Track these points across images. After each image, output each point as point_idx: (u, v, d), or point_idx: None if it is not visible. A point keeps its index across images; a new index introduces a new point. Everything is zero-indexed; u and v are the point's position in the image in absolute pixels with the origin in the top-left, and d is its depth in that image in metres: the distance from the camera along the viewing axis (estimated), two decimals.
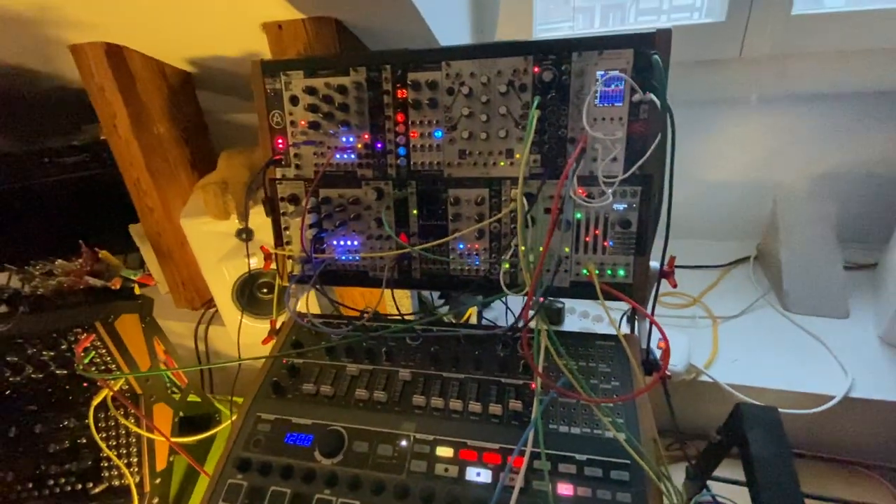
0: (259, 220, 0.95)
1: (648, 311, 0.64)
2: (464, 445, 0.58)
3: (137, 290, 0.84)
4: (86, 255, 0.80)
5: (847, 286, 1.06)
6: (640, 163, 0.54)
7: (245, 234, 1.03)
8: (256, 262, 1.03)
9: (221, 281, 1.03)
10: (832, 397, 0.82)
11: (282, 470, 0.59)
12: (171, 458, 0.81)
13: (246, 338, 1.12)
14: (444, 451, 0.58)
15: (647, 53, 0.54)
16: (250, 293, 1.10)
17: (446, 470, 0.56)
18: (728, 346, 0.97)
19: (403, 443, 0.59)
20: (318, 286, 0.69)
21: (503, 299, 0.88)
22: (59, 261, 0.79)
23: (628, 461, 0.53)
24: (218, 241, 0.99)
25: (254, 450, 0.62)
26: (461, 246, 0.67)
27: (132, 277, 0.79)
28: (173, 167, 1.13)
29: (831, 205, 1.13)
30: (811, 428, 0.83)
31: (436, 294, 1.08)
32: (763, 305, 1.08)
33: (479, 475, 0.55)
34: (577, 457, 0.55)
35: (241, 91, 1.23)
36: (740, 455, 0.60)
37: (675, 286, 0.62)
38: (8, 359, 0.71)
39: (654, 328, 0.56)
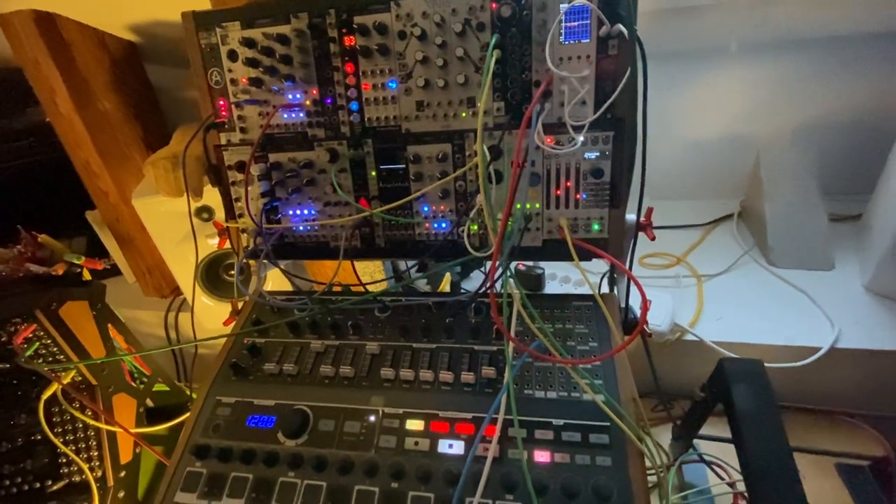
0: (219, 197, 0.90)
1: (626, 266, 0.61)
2: (435, 417, 0.54)
3: (87, 276, 0.79)
4: (25, 241, 0.73)
5: (831, 238, 1.04)
6: (610, 100, 0.49)
7: (206, 213, 0.97)
8: (216, 244, 0.98)
9: (184, 264, 0.98)
10: (819, 349, 0.80)
11: (243, 454, 0.55)
12: (137, 450, 0.77)
13: (214, 322, 1.08)
14: (415, 424, 0.54)
15: None
16: (217, 275, 1.05)
17: (417, 444, 0.53)
18: (713, 304, 0.94)
19: (372, 418, 0.55)
20: (272, 260, 0.64)
21: (482, 267, 0.84)
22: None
23: (608, 423, 0.50)
24: (176, 221, 0.93)
25: (213, 435, 0.58)
26: (426, 209, 0.62)
27: (77, 262, 0.73)
28: (124, 146, 1.06)
29: (814, 156, 1.10)
30: (798, 380, 0.81)
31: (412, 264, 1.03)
32: (747, 262, 1.06)
33: (451, 447, 0.52)
34: (555, 422, 0.51)
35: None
36: (725, 411, 0.58)
37: (653, 238, 0.59)
38: None
39: (634, 286, 0.53)
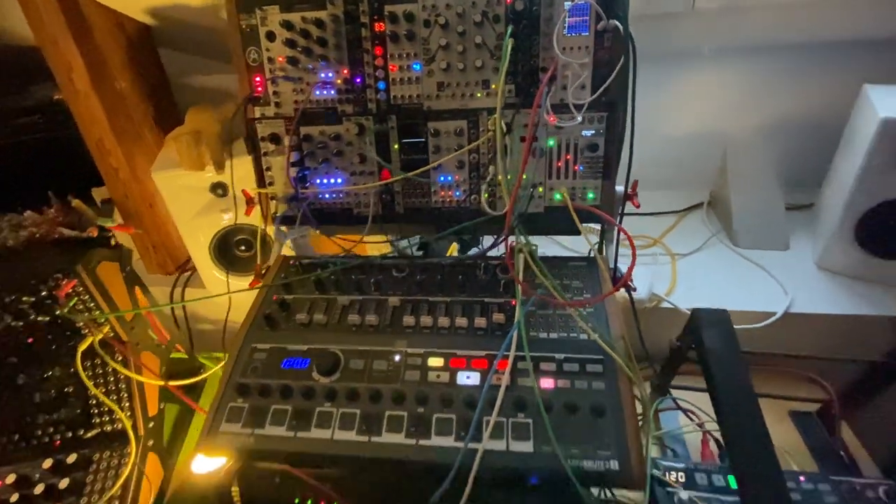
0: (236, 173, 0.95)
1: (613, 232, 0.71)
2: (453, 355, 0.62)
3: (113, 242, 0.83)
4: (56, 206, 0.78)
5: (788, 223, 1.17)
6: (606, 84, 0.59)
7: (220, 189, 1.02)
8: (231, 219, 1.03)
9: (198, 237, 1.03)
10: (774, 313, 0.92)
11: (281, 390, 0.61)
12: (161, 406, 0.82)
13: (226, 295, 1.13)
14: (436, 361, 0.62)
15: None
16: (228, 251, 1.10)
17: (438, 377, 0.61)
18: (685, 278, 1.06)
19: (397, 357, 0.63)
20: (311, 221, 0.71)
21: (479, 245, 0.92)
22: (28, 212, 0.77)
23: (601, 356, 0.59)
24: (192, 195, 0.98)
25: (251, 376, 0.64)
26: (443, 179, 0.70)
27: (108, 225, 0.78)
28: (138, 125, 1.09)
29: (774, 152, 1.23)
30: (757, 342, 0.93)
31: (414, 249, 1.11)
32: (715, 243, 1.18)
33: (468, 378, 0.60)
34: (556, 356, 0.60)
35: (206, 49, 1.20)
36: (697, 354, 0.68)
37: (637, 206, 0.69)
38: None
39: (620, 256, 0.62)
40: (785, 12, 1.13)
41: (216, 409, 0.62)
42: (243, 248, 1.11)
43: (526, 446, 0.54)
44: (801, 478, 0.69)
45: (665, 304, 0.98)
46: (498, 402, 0.55)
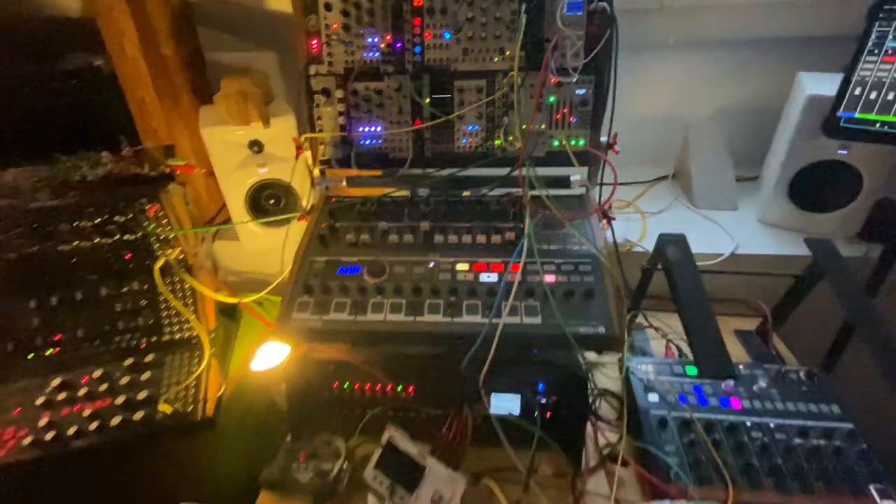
0: (268, 133, 1.10)
1: (598, 177, 0.89)
2: (476, 261, 0.79)
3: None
4: (127, 149, 0.91)
5: (737, 190, 1.39)
6: (594, 51, 0.77)
7: (256, 146, 1.16)
8: (265, 173, 1.17)
9: (236, 188, 1.16)
10: (723, 254, 1.14)
11: (340, 288, 0.77)
12: (217, 322, 0.96)
13: (257, 245, 1.27)
14: (462, 266, 0.79)
15: None
16: (259, 204, 1.23)
17: (465, 276, 0.77)
18: (653, 230, 1.26)
19: (431, 264, 0.80)
20: (358, 163, 0.86)
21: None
22: (105, 152, 0.90)
23: (590, 260, 0.77)
24: (233, 150, 1.12)
25: (314, 279, 0.79)
26: (468, 128, 0.87)
27: (178, 164, 0.91)
28: (178, 90, 1.22)
29: (727, 132, 1.46)
30: (710, 277, 1.13)
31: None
32: (678, 205, 1.40)
33: (489, 277, 0.77)
34: (555, 260, 0.78)
35: (234, 25, 1.33)
36: (662, 265, 0.87)
37: (617, 153, 0.87)
38: (77, 224, 0.82)
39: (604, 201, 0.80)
40: (738, 12, 1.36)
41: (287, 303, 0.77)
42: (272, 201, 1.24)
43: (535, 320, 0.72)
44: (741, 366, 0.90)
45: (637, 249, 1.18)
46: (513, 291, 0.73)
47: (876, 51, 0.80)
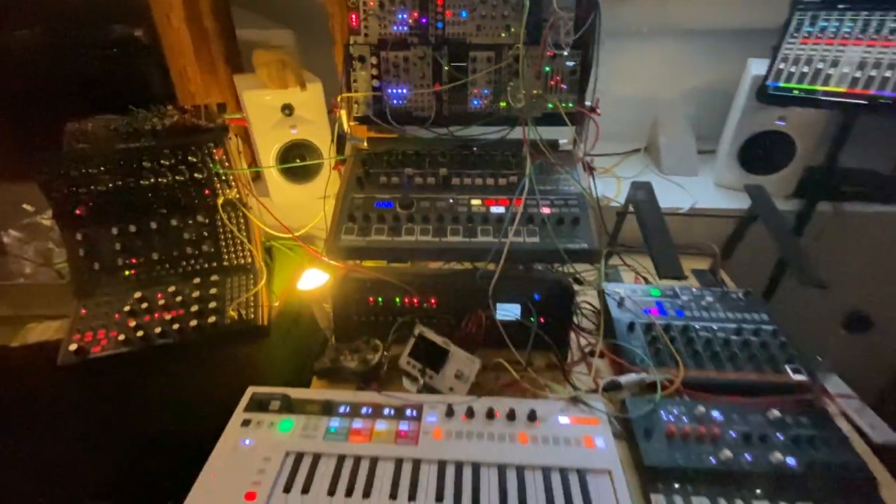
0: (300, 97, 1.27)
1: (583, 134, 1.10)
2: (487, 198, 0.99)
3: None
4: (190, 105, 1.06)
5: (698, 159, 1.63)
6: (582, 30, 0.97)
7: (287, 110, 1.32)
8: (296, 133, 1.34)
9: (270, 146, 1.32)
10: (682, 208, 1.37)
11: (378, 217, 0.96)
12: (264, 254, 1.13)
13: (286, 198, 1.43)
14: (476, 201, 0.98)
15: None
16: (287, 162, 1.40)
17: (479, 209, 0.97)
18: (627, 190, 1.47)
19: (451, 200, 0.99)
20: (387, 120, 1.04)
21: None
22: (171, 106, 1.05)
23: (576, 197, 0.98)
24: (269, 112, 1.28)
25: (356, 210, 0.97)
26: (477, 91, 1.06)
27: (234, 118, 1.07)
28: (215, 59, 1.37)
29: (691, 112, 1.69)
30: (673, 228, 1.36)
31: None
32: (649, 172, 1.62)
33: (498, 209, 0.97)
34: (550, 197, 0.98)
35: (258, 4, 1.48)
36: (633, 207, 1.08)
37: (599, 115, 1.08)
38: (157, 163, 0.98)
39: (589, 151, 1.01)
40: (703, 5, 1.58)
41: (335, 227, 0.95)
42: (297, 160, 1.41)
43: (535, 239, 0.92)
44: (693, 289, 1.12)
45: (613, 204, 1.39)
46: (517, 218, 0.93)
47: (795, 34, 1.03)
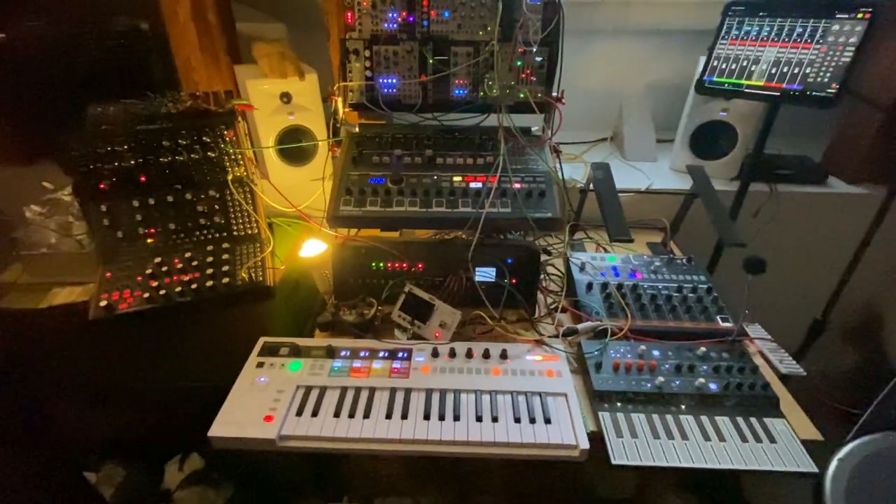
0: (298, 86, 1.39)
1: (551, 122, 1.26)
2: (467, 174, 1.14)
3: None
4: (200, 92, 1.18)
5: (656, 147, 1.81)
6: (548, 30, 1.13)
7: (285, 98, 1.45)
8: (293, 119, 1.47)
9: (269, 131, 1.45)
10: (641, 188, 1.54)
11: (372, 190, 1.10)
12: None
13: (285, 180, 1.56)
14: (457, 178, 1.14)
15: None
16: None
17: (459, 184, 1.12)
18: None
19: (435, 177, 1.14)
20: (379, 105, 1.18)
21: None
22: (183, 92, 1.17)
23: (543, 175, 1.14)
24: (269, 100, 1.40)
25: (352, 185, 1.12)
26: (458, 83, 1.21)
27: (241, 104, 1.20)
28: (217, 50, 1.48)
29: (652, 104, 1.87)
30: (632, 205, 1.54)
31: None
32: (613, 158, 1.80)
33: (476, 184, 1.12)
34: (521, 174, 1.14)
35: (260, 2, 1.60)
36: (593, 186, 1.25)
37: (564, 104, 1.24)
38: (174, 142, 1.10)
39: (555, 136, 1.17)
40: (661, 8, 1.76)
41: (334, 200, 1.09)
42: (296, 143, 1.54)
43: (507, 210, 1.08)
44: (645, 256, 1.30)
45: (579, 184, 1.56)
46: (492, 192, 1.08)
47: (726, 36, 1.20)
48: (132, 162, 1.10)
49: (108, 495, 1.32)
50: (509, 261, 1.15)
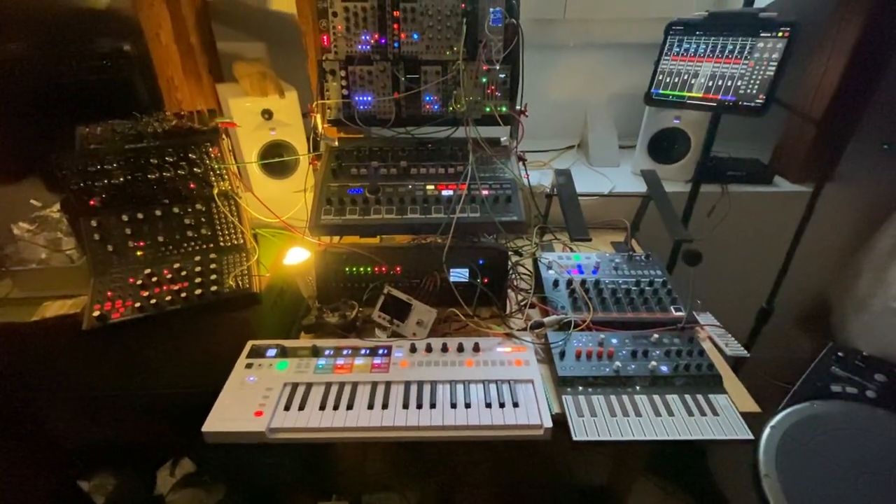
0: (279, 103, 1.47)
1: (516, 132, 1.36)
2: (439, 183, 1.23)
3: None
4: (185, 112, 1.25)
5: (619, 153, 1.94)
6: (509, 49, 1.23)
7: (267, 114, 1.52)
8: (275, 135, 1.54)
9: (251, 146, 1.52)
10: (605, 192, 1.66)
11: (351, 200, 1.18)
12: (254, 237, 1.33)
13: (268, 192, 1.63)
14: (430, 187, 1.23)
15: (511, 1, 1.22)
16: (267, 159, 1.59)
17: (432, 192, 1.21)
18: None
19: (409, 186, 1.23)
20: (355, 122, 1.27)
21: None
22: (169, 112, 1.23)
23: (510, 182, 1.24)
24: (251, 117, 1.48)
25: (332, 195, 1.19)
26: (428, 98, 1.30)
27: (225, 122, 1.27)
28: (200, 70, 1.55)
29: (615, 113, 2.00)
30: (595, 209, 1.65)
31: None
32: (580, 164, 1.92)
33: (447, 192, 1.21)
34: (489, 182, 1.24)
35: (232, 19, 1.68)
36: (556, 190, 1.35)
37: (527, 117, 1.34)
38: (162, 160, 1.16)
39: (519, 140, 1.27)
40: (619, 24, 1.89)
41: (315, 210, 1.17)
42: (277, 157, 1.61)
43: (476, 215, 1.17)
44: (607, 254, 1.41)
45: (546, 190, 1.67)
46: (462, 198, 1.18)
47: (668, 53, 1.33)
48: (121, 179, 1.16)
49: None
50: (481, 262, 1.24)
